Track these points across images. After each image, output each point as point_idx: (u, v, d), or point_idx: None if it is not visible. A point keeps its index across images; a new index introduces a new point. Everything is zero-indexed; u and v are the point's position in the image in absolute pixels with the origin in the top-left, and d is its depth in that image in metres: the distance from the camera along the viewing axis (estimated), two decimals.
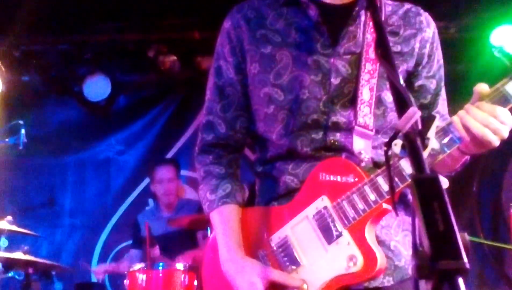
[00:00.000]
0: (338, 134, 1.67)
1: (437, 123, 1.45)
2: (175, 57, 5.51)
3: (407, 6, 1.80)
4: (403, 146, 1.12)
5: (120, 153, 6.13)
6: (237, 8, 1.82)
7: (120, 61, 5.77)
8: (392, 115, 1.69)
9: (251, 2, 1.83)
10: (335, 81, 1.67)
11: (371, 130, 1.66)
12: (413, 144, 1.08)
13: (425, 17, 1.79)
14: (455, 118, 1.52)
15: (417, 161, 1.06)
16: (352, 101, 1.67)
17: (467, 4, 4.73)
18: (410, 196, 1.74)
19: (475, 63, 4.95)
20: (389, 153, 1.15)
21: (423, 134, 1.12)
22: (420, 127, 1.11)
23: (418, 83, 1.77)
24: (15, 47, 5.34)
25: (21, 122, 4.53)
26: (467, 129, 1.49)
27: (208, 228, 4.14)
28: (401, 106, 1.13)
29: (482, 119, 1.47)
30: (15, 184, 5.76)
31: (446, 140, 1.53)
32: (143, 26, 5.32)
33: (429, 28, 1.77)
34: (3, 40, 5.16)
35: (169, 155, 5.97)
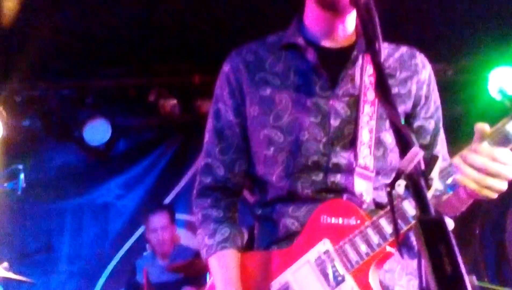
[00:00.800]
0: (338, 176, 1.66)
1: (440, 164, 1.44)
2: (175, 101, 5.55)
3: (402, 48, 1.82)
4: (406, 187, 1.10)
5: (118, 198, 6.08)
6: (236, 52, 1.84)
7: (121, 105, 5.80)
8: (392, 157, 1.68)
9: (249, 46, 1.84)
10: (334, 122, 1.67)
11: (372, 172, 1.65)
12: (417, 185, 1.07)
13: (421, 59, 1.80)
14: (456, 160, 1.51)
15: (421, 202, 1.05)
16: (352, 143, 1.66)
17: (464, 46, 4.79)
18: (413, 239, 1.71)
19: (473, 105, 4.97)
20: (393, 194, 1.13)
21: (426, 174, 1.10)
22: (423, 167, 1.09)
23: (416, 124, 1.77)
24: (17, 92, 5.38)
25: (20, 167, 4.52)
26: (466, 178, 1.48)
27: (207, 274, 4.07)
28: (403, 146, 1.12)
29: (482, 164, 1.46)
30: (12, 229, 5.69)
31: (449, 181, 1.52)
32: (144, 70, 5.38)
33: (425, 70, 1.78)
34: (4, 86, 5.21)
35: (168, 198, 5.93)
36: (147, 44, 4.88)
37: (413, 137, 1.15)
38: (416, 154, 1.08)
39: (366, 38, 1.36)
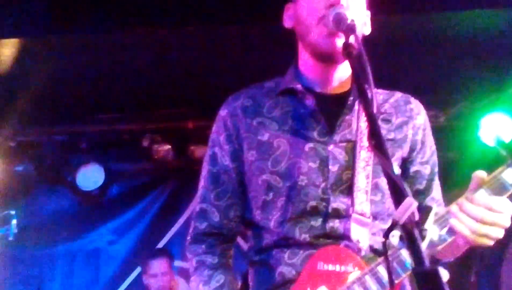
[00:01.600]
0: (337, 221, 1.65)
1: (435, 211, 1.45)
2: (169, 146, 5.56)
3: (397, 94, 1.85)
4: (401, 238, 1.10)
5: (110, 243, 6.00)
6: (234, 97, 1.86)
7: (115, 150, 5.80)
8: (390, 202, 1.68)
9: (247, 90, 1.86)
10: (333, 168, 1.68)
11: (369, 217, 1.65)
12: (411, 236, 1.08)
13: (416, 105, 1.83)
14: (453, 207, 1.52)
15: (416, 253, 1.05)
16: (349, 188, 1.66)
17: (455, 93, 4.86)
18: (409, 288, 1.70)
19: (465, 150, 5.00)
20: (387, 244, 1.14)
21: (420, 225, 1.11)
22: (417, 218, 1.10)
23: (413, 169, 1.78)
24: (11, 138, 5.38)
25: (12, 212, 4.48)
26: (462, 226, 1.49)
27: None
28: (397, 196, 1.13)
29: (478, 214, 1.47)
30: (2, 275, 5.60)
31: (446, 228, 1.52)
32: (138, 116, 5.41)
33: (420, 115, 1.81)
34: None
35: (161, 244, 5.85)
36: (141, 90, 4.92)
37: (407, 187, 1.16)
38: (410, 205, 1.09)
39: (358, 89, 1.38)
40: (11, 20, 3.78)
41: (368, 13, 1.81)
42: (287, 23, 1.82)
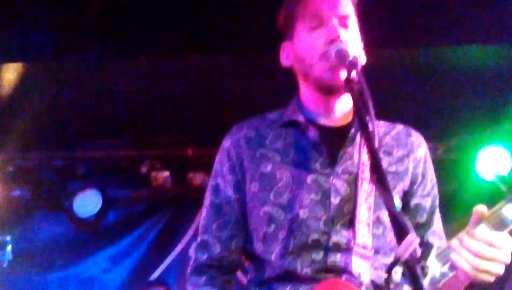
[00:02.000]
0: (338, 255, 1.65)
1: (437, 244, 1.44)
2: (167, 173, 5.55)
3: (398, 126, 1.87)
4: (403, 273, 1.11)
5: (105, 271, 5.92)
6: (237, 128, 1.87)
7: (113, 176, 5.78)
8: (392, 236, 1.67)
9: (250, 122, 1.87)
10: (334, 200, 1.68)
11: (370, 251, 1.64)
12: (413, 273, 1.08)
13: (417, 137, 1.84)
14: (454, 242, 1.52)
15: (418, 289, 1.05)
16: (351, 221, 1.66)
17: (453, 126, 4.89)
18: None
19: (464, 183, 5.00)
20: (390, 280, 1.14)
21: (422, 262, 1.11)
22: (419, 254, 1.11)
23: (414, 202, 1.78)
24: (10, 162, 5.37)
25: (8, 238, 4.43)
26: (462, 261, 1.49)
27: None
28: (399, 232, 1.14)
29: (478, 249, 1.47)
30: None
31: (447, 264, 1.51)
32: (137, 142, 5.41)
33: (421, 148, 1.82)
34: None
35: (157, 273, 5.79)
36: (140, 116, 4.94)
37: (408, 222, 1.17)
38: (412, 242, 1.10)
39: (360, 123, 1.40)
40: (13, 45, 3.81)
41: (362, 44, 1.84)
42: (285, 61, 1.85)
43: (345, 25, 1.73)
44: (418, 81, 4.29)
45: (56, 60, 3.91)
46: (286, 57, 1.85)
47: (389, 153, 1.77)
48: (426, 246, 1.18)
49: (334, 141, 1.75)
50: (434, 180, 1.84)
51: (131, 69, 4.18)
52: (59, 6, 3.75)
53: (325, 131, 1.77)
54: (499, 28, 3.71)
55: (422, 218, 1.79)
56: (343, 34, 1.68)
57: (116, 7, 3.77)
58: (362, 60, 1.81)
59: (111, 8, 3.76)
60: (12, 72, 4.14)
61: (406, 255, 1.08)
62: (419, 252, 1.10)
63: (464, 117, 4.71)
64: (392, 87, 4.22)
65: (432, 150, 4.95)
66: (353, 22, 1.77)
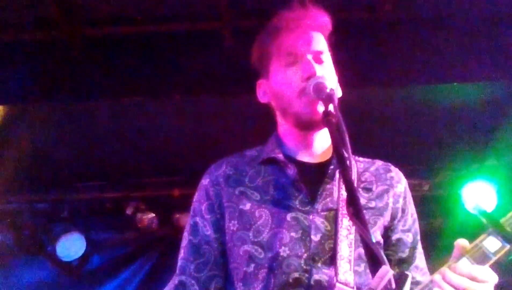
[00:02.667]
0: None
1: (416, 279, 1.41)
2: (153, 215, 5.49)
3: (377, 163, 1.87)
4: None
5: None
6: (216, 166, 1.86)
7: (97, 219, 5.71)
8: None
9: (229, 159, 1.86)
10: (315, 238, 1.65)
11: (352, 288, 1.61)
12: None
13: (396, 173, 1.84)
14: (436, 277, 1.50)
15: None
16: (332, 258, 1.64)
17: (439, 162, 4.92)
18: None
19: (449, 219, 5.02)
20: None
21: None
22: (393, 286, 1.09)
23: (395, 237, 1.77)
24: None
25: None
26: None
27: None
28: (374, 264, 1.13)
29: (459, 284, 1.45)
30: None
31: None
32: (121, 184, 5.37)
33: (400, 183, 1.82)
34: None
35: None
36: (125, 158, 4.91)
37: (383, 255, 1.16)
38: (386, 273, 1.08)
39: (337, 156, 1.40)
40: None
41: (336, 77, 1.86)
42: (262, 98, 1.87)
43: (319, 61, 1.76)
44: (403, 119, 4.33)
45: (38, 102, 3.90)
46: (262, 94, 1.86)
47: (368, 189, 1.76)
48: (400, 277, 1.16)
49: (313, 178, 1.74)
50: (415, 215, 1.84)
51: (114, 110, 4.18)
52: (41, 49, 3.77)
53: (304, 168, 1.76)
54: (481, 66, 3.78)
55: (404, 254, 1.78)
56: (318, 69, 1.71)
57: (98, 50, 3.80)
58: (338, 93, 1.83)
59: (94, 51, 3.79)
60: None
61: (380, 287, 1.06)
62: (393, 283, 1.09)
63: (449, 154, 4.75)
64: (378, 125, 4.26)
65: (419, 187, 5.00)
66: (327, 56, 1.80)
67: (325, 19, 1.81)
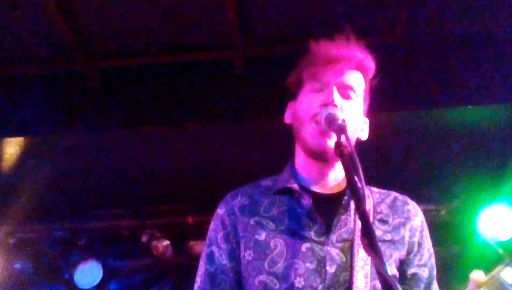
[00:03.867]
0: None
1: None
2: (168, 242, 5.50)
3: (394, 194, 1.86)
4: None
5: None
6: (231, 195, 1.86)
7: (113, 246, 5.73)
8: None
9: (244, 189, 1.87)
10: (330, 269, 1.65)
11: None
12: None
13: (413, 206, 1.83)
14: None
15: None
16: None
17: (455, 187, 4.87)
18: None
19: (466, 245, 4.93)
20: None
21: None
22: None
23: (410, 271, 1.75)
24: (11, 235, 5.35)
25: None
26: None
27: None
28: None
29: None
30: None
31: None
32: (137, 212, 5.40)
33: (417, 217, 1.80)
34: None
35: None
36: (140, 186, 4.94)
37: (399, 286, 1.15)
38: None
39: (351, 187, 1.40)
40: (15, 120, 3.88)
41: (366, 120, 1.86)
42: (288, 119, 1.88)
43: (345, 95, 1.76)
44: (419, 143, 4.32)
45: (56, 132, 3.96)
46: (288, 115, 1.88)
47: (384, 222, 1.75)
48: None
49: (328, 208, 1.74)
50: (431, 250, 1.81)
51: (130, 139, 4.23)
52: (59, 81, 3.85)
53: (319, 198, 1.76)
54: (495, 89, 3.77)
55: (419, 289, 1.75)
56: (338, 100, 1.71)
57: (114, 81, 3.86)
58: (363, 135, 1.84)
59: (109, 82, 3.85)
60: (13, 146, 4.19)
61: None
62: None
63: (466, 178, 4.70)
64: (395, 151, 4.25)
65: (436, 212, 4.94)
66: (357, 96, 1.79)
67: (365, 59, 1.81)
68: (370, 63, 1.82)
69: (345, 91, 1.76)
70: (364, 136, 1.84)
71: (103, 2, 3.50)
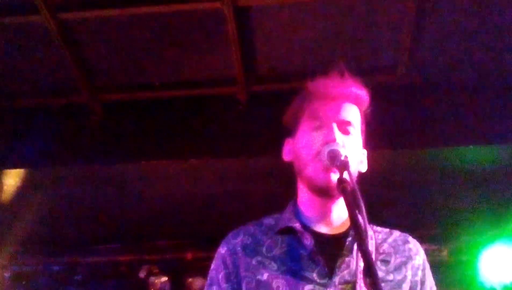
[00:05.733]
0: None
1: None
2: (166, 278, 5.45)
3: (395, 233, 1.84)
4: None
5: None
6: (233, 234, 1.84)
7: (111, 282, 5.67)
8: None
9: (246, 228, 1.85)
10: None
11: None
12: None
13: (414, 244, 1.81)
14: None
15: None
16: None
17: (457, 227, 4.84)
18: None
19: (469, 285, 4.88)
20: None
21: None
22: None
23: None
24: (6, 268, 5.29)
25: None
26: None
27: None
28: None
29: None
30: None
31: None
32: (135, 247, 5.36)
33: (419, 255, 1.78)
34: None
35: None
36: (138, 221, 4.92)
37: None
38: None
39: (354, 226, 1.38)
40: (15, 152, 3.88)
41: (365, 151, 1.86)
42: (286, 156, 1.87)
43: (345, 131, 1.76)
44: (421, 183, 4.31)
45: (56, 166, 3.96)
46: (287, 152, 1.87)
47: (386, 262, 1.73)
48: None
49: (331, 250, 1.72)
50: (434, 288, 1.79)
51: (128, 174, 4.22)
52: (61, 113, 3.86)
53: (321, 239, 1.74)
54: (496, 129, 3.78)
55: None
56: (339, 137, 1.71)
57: (116, 114, 3.87)
58: (362, 167, 1.83)
59: (112, 115, 3.87)
60: (13, 177, 4.18)
61: None
62: None
63: (468, 218, 4.68)
64: (396, 190, 4.24)
65: (438, 252, 4.90)
66: (356, 129, 1.80)
67: (361, 93, 1.82)
68: (365, 96, 1.84)
69: (345, 127, 1.76)
70: (364, 168, 1.84)
71: (108, 35, 3.54)
